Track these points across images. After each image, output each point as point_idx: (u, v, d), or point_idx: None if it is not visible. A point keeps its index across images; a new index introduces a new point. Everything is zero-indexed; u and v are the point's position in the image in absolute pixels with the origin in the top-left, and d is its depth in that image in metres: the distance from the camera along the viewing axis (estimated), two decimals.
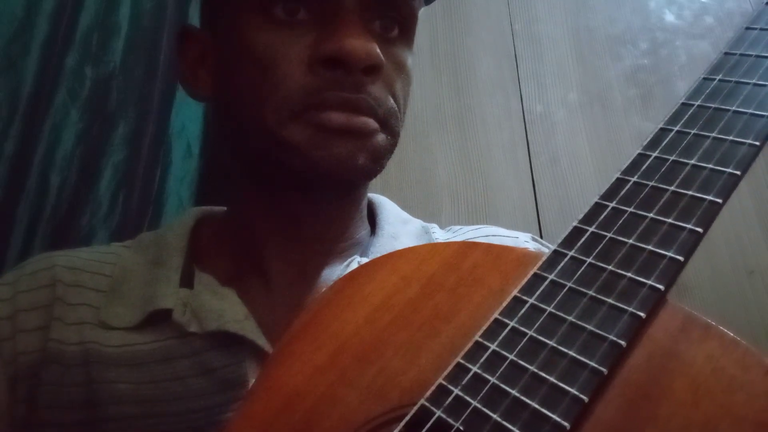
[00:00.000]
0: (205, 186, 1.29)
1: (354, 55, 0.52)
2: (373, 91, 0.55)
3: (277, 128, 0.54)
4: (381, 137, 0.57)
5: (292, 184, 0.59)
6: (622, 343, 0.36)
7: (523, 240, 0.70)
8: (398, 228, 0.66)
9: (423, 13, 0.62)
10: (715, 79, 0.46)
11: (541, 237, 1.29)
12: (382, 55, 0.54)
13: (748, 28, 0.48)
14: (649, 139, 0.46)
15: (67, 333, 0.56)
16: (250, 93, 0.56)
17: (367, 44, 0.53)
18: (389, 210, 0.69)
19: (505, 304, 0.41)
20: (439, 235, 0.70)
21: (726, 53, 0.48)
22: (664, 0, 1.54)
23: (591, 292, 0.39)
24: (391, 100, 0.57)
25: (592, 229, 0.42)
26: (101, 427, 0.53)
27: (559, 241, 0.43)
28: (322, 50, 0.53)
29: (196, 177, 1.29)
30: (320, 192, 0.60)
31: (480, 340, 0.40)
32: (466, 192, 1.43)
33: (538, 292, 0.41)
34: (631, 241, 0.40)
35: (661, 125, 0.46)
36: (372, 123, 0.55)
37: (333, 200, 0.62)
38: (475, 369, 0.38)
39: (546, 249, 0.43)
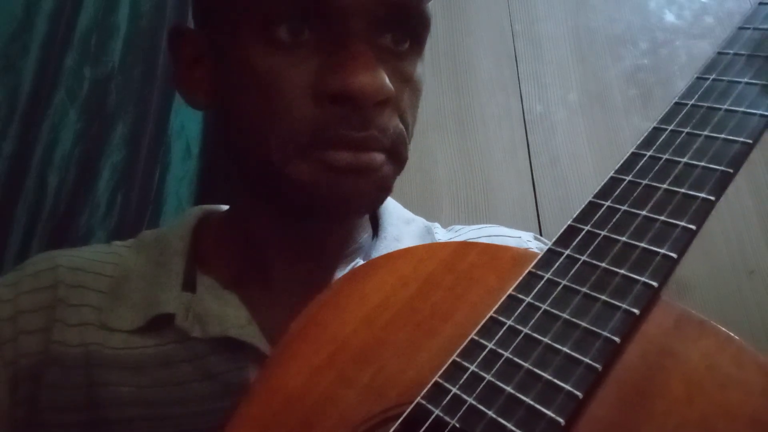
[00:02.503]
0: (205, 186, 1.29)
1: (363, 94, 0.49)
2: (380, 121, 0.52)
3: (282, 164, 0.52)
4: (388, 168, 0.55)
5: (294, 213, 0.58)
6: (616, 339, 0.36)
7: (525, 240, 0.70)
8: (401, 229, 0.66)
9: None
10: (708, 79, 0.47)
11: (541, 237, 1.29)
12: (391, 86, 0.51)
13: (741, 28, 0.48)
14: (642, 138, 0.46)
15: (69, 334, 0.56)
16: (252, 122, 0.53)
17: (376, 79, 0.50)
18: (391, 210, 0.68)
19: (500, 302, 0.41)
20: (442, 235, 0.69)
21: (719, 53, 0.48)
22: (664, 0, 1.54)
23: (585, 290, 0.39)
24: (399, 124, 0.55)
25: (586, 227, 0.42)
26: (102, 429, 0.53)
27: (554, 239, 0.43)
28: (328, 86, 0.50)
29: (196, 177, 1.29)
30: (322, 219, 0.59)
31: (476, 338, 0.40)
32: (466, 192, 1.43)
33: (533, 291, 0.41)
34: (624, 238, 0.41)
35: (654, 124, 0.46)
36: (379, 158, 0.53)
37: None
38: (471, 367, 0.38)
39: None
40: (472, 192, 1.43)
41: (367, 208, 0.58)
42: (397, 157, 0.56)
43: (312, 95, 0.51)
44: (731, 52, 0.47)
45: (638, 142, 0.46)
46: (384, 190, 0.56)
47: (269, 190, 0.56)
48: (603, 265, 0.40)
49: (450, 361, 0.39)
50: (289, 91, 0.51)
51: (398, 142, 0.55)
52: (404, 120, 0.56)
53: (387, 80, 0.51)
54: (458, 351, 0.40)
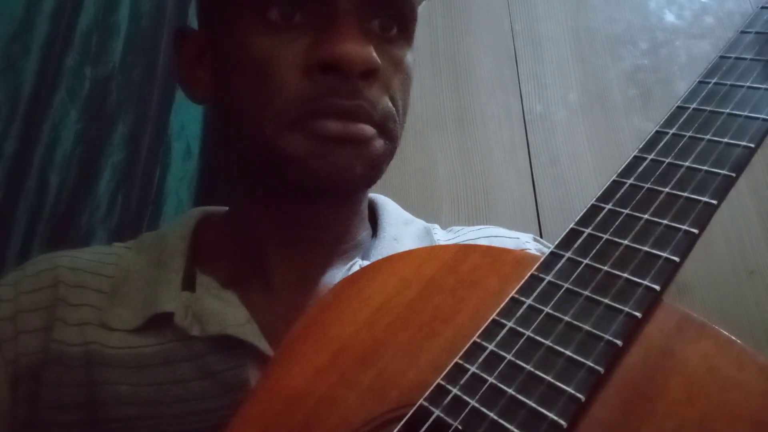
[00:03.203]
0: (205, 186, 1.29)
1: (349, 61, 0.52)
2: (369, 95, 0.55)
3: (275, 138, 0.54)
4: (379, 143, 0.56)
5: (290, 192, 0.59)
6: (619, 342, 0.36)
7: (524, 241, 0.70)
8: (400, 229, 0.66)
9: (423, 12, 0.62)
10: (710, 83, 0.47)
11: (541, 237, 1.29)
12: (378, 58, 0.54)
13: (743, 32, 0.49)
14: (644, 142, 0.46)
15: (70, 334, 0.56)
16: (247, 100, 0.55)
17: (363, 48, 0.53)
18: (390, 211, 0.69)
19: (502, 305, 0.41)
20: (441, 236, 0.70)
21: (721, 57, 0.48)
22: (664, 0, 1.54)
23: (587, 293, 0.39)
24: (389, 102, 0.57)
25: (588, 230, 0.43)
26: (102, 428, 0.53)
27: (556, 242, 0.43)
28: (317, 55, 0.53)
29: (196, 177, 1.29)
30: (319, 199, 0.60)
31: (478, 340, 0.40)
32: (466, 192, 1.43)
33: (535, 293, 0.41)
34: (627, 242, 0.41)
35: (656, 128, 0.46)
36: (369, 129, 0.55)
37: (332, 204, 0.62)
38: (473, 369, 0.38)
39: (547, 250, 0.44)
40: (472, 192, 1.43)
41: (361, 183, 0.59)
42: (388, 133, 0.57)
43: (303, 70, 0.53)
44: (733, 56, 0.47)
45: (640, 145, 0.46)
46: (375, 166, 0.57)
47: (265, 171, 0.58)
48: (605, 268, 0.40)
49: (452, 363, 0.39)
50: (281, 68, 0.53)
51: (388, 119, 0.57)
52: (394, 101, 0.58)
53: (374, 52, 0.53)
54: (461, 353, 0.40)
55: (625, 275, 0.39)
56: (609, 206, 0.43)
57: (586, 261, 0.41)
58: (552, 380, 0.36)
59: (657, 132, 0.46)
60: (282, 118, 0.54)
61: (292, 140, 0.54)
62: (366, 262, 0.60)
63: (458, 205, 1.42)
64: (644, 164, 0.44)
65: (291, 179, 0.55)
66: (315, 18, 0.54)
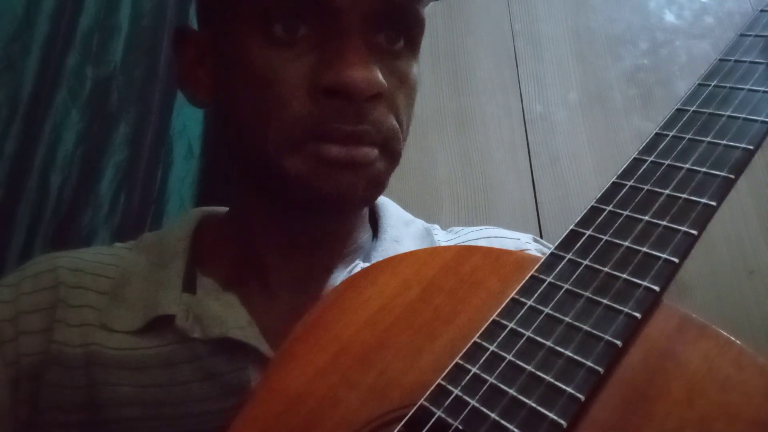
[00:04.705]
0: (207, 186, 1.30)
1: (355, 87, 0.50)
2: (374, 116, 0.53)
3: (278, 158, 0.53)
4: (381, 164, 0.56)
5: (292, 207, 0.59)
6: (618, 343, 0.37)
7: (524, 241, 0.70)
8: (401, 230, 0.66)
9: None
10: (710, 85, 0.47)
11: (541, 237, 1.29)
12: (384, 81, 0.53)
13: (742, 35, 0.49)
14: (644, 144, 0.46)
15: (70, 335, 0.56)
16: (249, 112, 0.54)
17: (369, 73, 0.51)
18: (391, 212, 0.69)
19: (503, 306, 0.41)
20: (441, 236, 0.70)
21: (721, 60, 0.48)
22: (664, 0, 1.54)
23: (587, 294, 0.40)
24: (394, 121, 0.56)
25: (588, 232, 0.43)
26: (102, 429, 0.53)
27: (556, 243, 0.44)
28: (323, 80, 0.51)
29: (198, 177, 1.29)
30: (320, 214, 0.60)
31: (479, 341, 0.40)
32: (466, 192, 1.43)
33: (535, 294, 0.41)
34: (626, 243, 0.41)
35: (656, 130, 0.46)
36: (372, 153, 0.54)
37: (333, 216, 0.62)
38: (474, 369, 0.39)
39: (548, 250, 0.44)
40: (472, 192, 1.43)
41: (362, 203, 0.59)
42: (390, 152, 0.56)
43: (307, 90, 0.52)
44: (732, 58, 0.48)
45: (640, 147, 0.46)
46: (378, 185, 0.57)
47: (267, 185, 0.57)
48: (605, 269, 0.40)
49: (453, 363, 0.40)
50: (286, 87, 0.52)
51: (391, 138, 0.55)
52: (399, 118, 0.57)
53: (380, 75, 0.52)
54: (461, 354, 0.40)
55: (625, 276, 0.39)
56: (609, 208, 0.43)
57: (586, 262, 0.41)
58: (552, 380, 0.36)
59: (656, 134, 0.46)
60: (285, 138, 0.53)
61: (295, 162, 0.53)
62: (367, 264, 0.60)
63: (458, 205, 1.42)
64: (644, 166, 0.45)
65: (292, 197, 0.55)
66: (319, 33, 0.53)
